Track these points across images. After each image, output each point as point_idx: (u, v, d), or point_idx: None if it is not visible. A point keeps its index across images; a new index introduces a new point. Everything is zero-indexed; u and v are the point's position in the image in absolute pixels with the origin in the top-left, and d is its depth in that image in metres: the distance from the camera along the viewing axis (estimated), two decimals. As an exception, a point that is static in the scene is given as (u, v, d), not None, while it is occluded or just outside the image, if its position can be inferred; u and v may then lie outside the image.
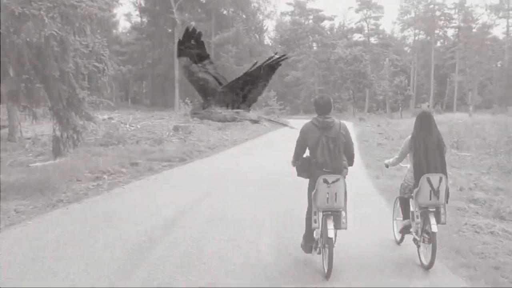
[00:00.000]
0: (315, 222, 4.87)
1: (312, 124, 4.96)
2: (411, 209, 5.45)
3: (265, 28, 61.51)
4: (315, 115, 5.07)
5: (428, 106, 55.01)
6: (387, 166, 6.10)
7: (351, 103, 56.31)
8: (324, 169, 4.80)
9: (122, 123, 25.97)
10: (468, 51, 57.49)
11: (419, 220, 5.19)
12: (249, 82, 3.06)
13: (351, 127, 37.02)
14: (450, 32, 69.13)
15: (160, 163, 13.98)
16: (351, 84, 52.39)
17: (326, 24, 67.32)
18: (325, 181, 4.71)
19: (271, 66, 2.94)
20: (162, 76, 49.75)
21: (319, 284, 4.72)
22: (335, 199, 4.74)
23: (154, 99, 53.00)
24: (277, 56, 2.90)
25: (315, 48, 65.59)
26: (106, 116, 28.15)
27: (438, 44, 68.40)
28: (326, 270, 4.73)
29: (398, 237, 5.94)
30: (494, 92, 56.66)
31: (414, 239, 5.38)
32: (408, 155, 5.49)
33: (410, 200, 5.49)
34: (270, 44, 71.72)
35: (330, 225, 4.74)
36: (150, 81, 53.63)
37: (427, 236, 5.11)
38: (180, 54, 3.25)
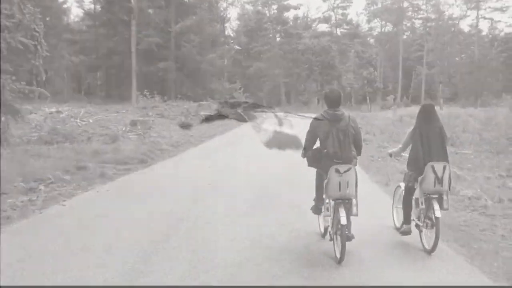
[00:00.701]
0: (327, 210, 5.09)
1: (323, 117, 5.08)
2: (415, 196, 5.54)
3: (228, 16, 58.29)
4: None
5: (394, 99, 53.95)
6: (391, 155, 6.33)
7: (319, 96, 54.49)
8: (334, 160, 4.94)
9: (72, 117, 23.01)
10: (439, 43, 56.64)
11: (423, 206, 5.34)
12: None
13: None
14: (418, 24, 68.14)
15: (115, 166, 11.50)
16: (319, 76, 50.52)
17: (291, 13, 65.15)
18: (337, 171, 4.84)
19: None
20: (117, 66, 46.12)
21: (332, 268, 4.77)
22: (347, 188, 4.88)
23: (109, 91, 49.31)
24: None
25: (279, 39, 63.22)
26: (53, 109, 25.15)
27: (405, 36, 67.17)
28: (339, 256, 4.83)
29: (399, 224, 5.96)
30: (461, 85, 56.12)
31: (417, 225, 5.50)
32: (411, 145, 5.60)
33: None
34: (232, 35, 69.13)
35: (342, 212, 4.85)
36: (104, 72, 49.90)
37: (429, 222, 5.25)
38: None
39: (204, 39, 43.85)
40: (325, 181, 4.94)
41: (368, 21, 69.66)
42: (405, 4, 65.19)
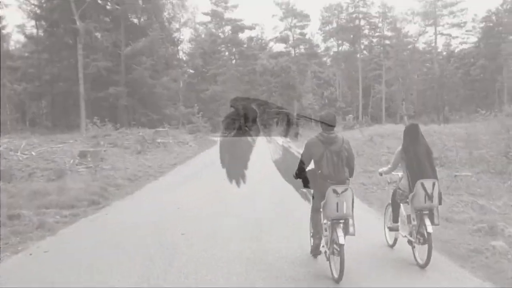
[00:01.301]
0: (326, 230, 5.13)
1: (317, 139, 5.25)
2: (405, 213, 5.83)
3: (181, 38, 55.68)
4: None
5: (354, 118, 53.19)
6: (381, 174, 6.44)
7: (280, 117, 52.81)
8: (328, 181, 5.07)
9: (11, 150, 20.18)
10: (398, 60, 56.48)
11: (415, 222, 5.49)
12: None
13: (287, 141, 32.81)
14: (375, 42, 67.69)
15: (59, 211, 9.25)
16: (279, 97, 48.98)
17: (247, 34, 63.86)
18: (335, 191, 4.93)
19: None
20: (64, 93, 42.65)
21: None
22: (344, 208, 4.95)
23: (56, 120, 45.62)
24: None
25: (234, 61, 61.61)
26: (-10, 142, 22.19)
27: (360, 55, 66.82)
28: (337, 274, 4.89)
29: (391, 241, 6.27)
30: (420, 102, 56.13)
31: (409, 241, 5.67)
32: (400, 164, 5.88)
33: (403, 205, 5.91)
34: (184, 58, 66.98)
35: (340, 232, 4.92)
36: (50, 100, 46.31)
37: (421, 238, 5.39)
38: None
39: (157, 62, 41.27)
40: (323, 202, 5.01)
41: (324, 41, 69.31)
42: (362, 22, 65.27)
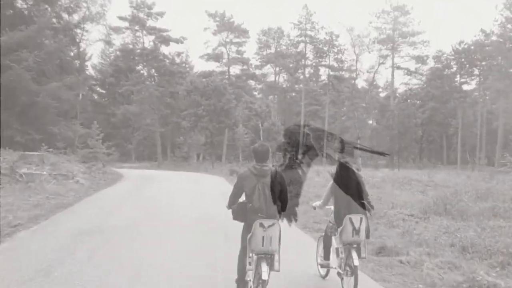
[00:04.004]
0: (250, 264, 4.98)
1: (250, 172, 5.09)
2: (336, 245, 5.88)
3: (85, 36, 43.27)
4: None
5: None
6: (314, 208, 6.42)
7: (208, 149, 43.42)
8: (259, 214, 4.92)
9: None
10: (355, 91, 49.71)
11: (343, 255, 5.58)
12: None
13: (224, 184, 24.28)
14: (322, 71, 60.18)
15: None
16: (208, 123, 39.61)
17: (172, 48, 54.03)
18: (261, 225, 4.81)
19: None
20: None
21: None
22: (270, 243, 4.83)
23: None
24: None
25: (154, 78, 51.52)
26: None
27: (305, 84, 58.81)
28: None
29: (323, 272, 6.36)
30: (373, 143, 49.84)
31: (338, 273, 5.76)
32: (331, 198, 5.89)
33: (333, 238, 5.96)
34: (94, 74, 56.11)
35: (264, 267, 4.81)
36: None
37: (349, 270, 5.46)
38: None
39: (45, 60, 30.02)
40: (249, 235, 4.84)
41: (261, 67, 61.03)
42: (308, 48, 56.67)
